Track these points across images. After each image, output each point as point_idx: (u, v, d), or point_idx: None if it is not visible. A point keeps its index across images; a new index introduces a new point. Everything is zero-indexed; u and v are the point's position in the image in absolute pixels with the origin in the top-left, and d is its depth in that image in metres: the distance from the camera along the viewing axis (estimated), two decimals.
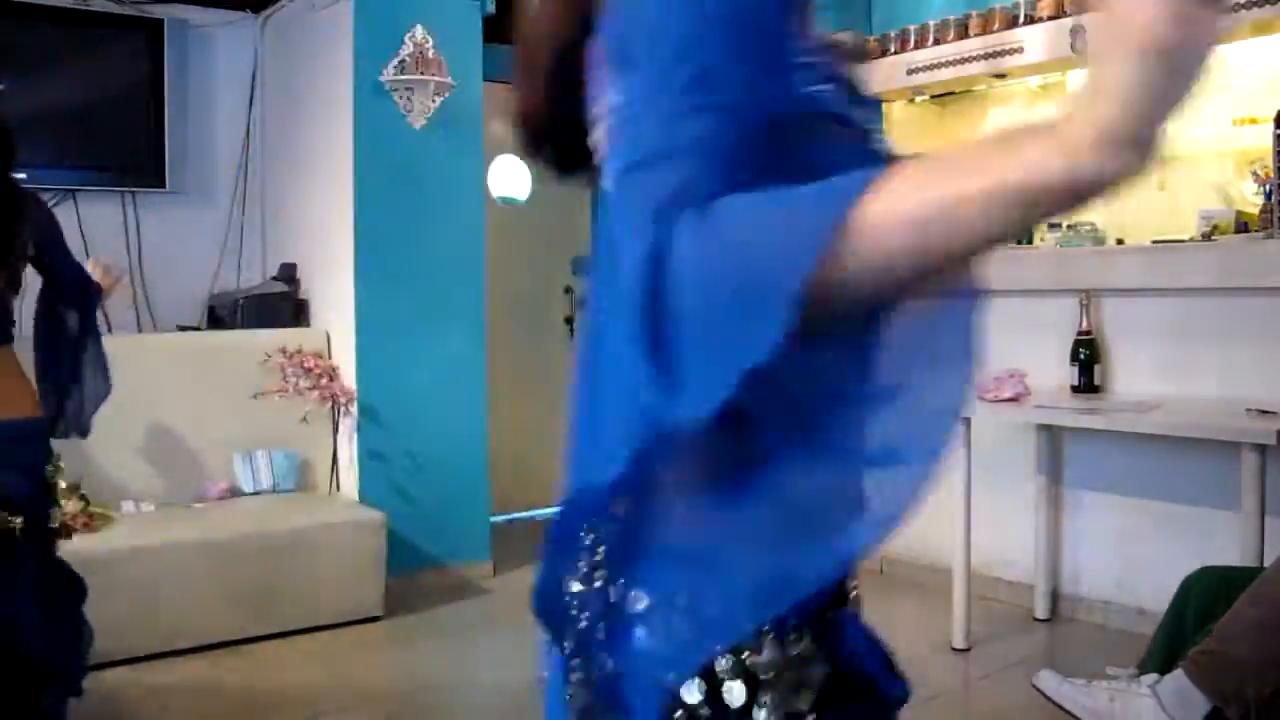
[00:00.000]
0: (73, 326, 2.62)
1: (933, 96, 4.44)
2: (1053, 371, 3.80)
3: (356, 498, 4.26)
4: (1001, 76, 4.09)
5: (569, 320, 6.04)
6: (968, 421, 3.57)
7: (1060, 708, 2.08)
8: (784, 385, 0.70)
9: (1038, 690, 2.11)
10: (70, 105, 4.52)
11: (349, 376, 4.27)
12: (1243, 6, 3.28)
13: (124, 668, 3.42)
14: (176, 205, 4.81)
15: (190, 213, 4.85)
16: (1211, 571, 2.35)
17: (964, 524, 3.56)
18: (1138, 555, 3.72)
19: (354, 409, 4.25)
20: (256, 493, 4.20)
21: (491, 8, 4.55)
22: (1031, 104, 4.26)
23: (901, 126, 4.66)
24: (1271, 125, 3.25)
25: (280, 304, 4.49)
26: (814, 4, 0.82)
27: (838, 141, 0.78)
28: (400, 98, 4.30)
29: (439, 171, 4.40)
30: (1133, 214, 3.92)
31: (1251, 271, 3.34)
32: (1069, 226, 3.90)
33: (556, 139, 0.90)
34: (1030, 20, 3.85)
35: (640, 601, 0.77)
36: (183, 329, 4.67)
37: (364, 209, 4.25)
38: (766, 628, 0.77)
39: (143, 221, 4.76)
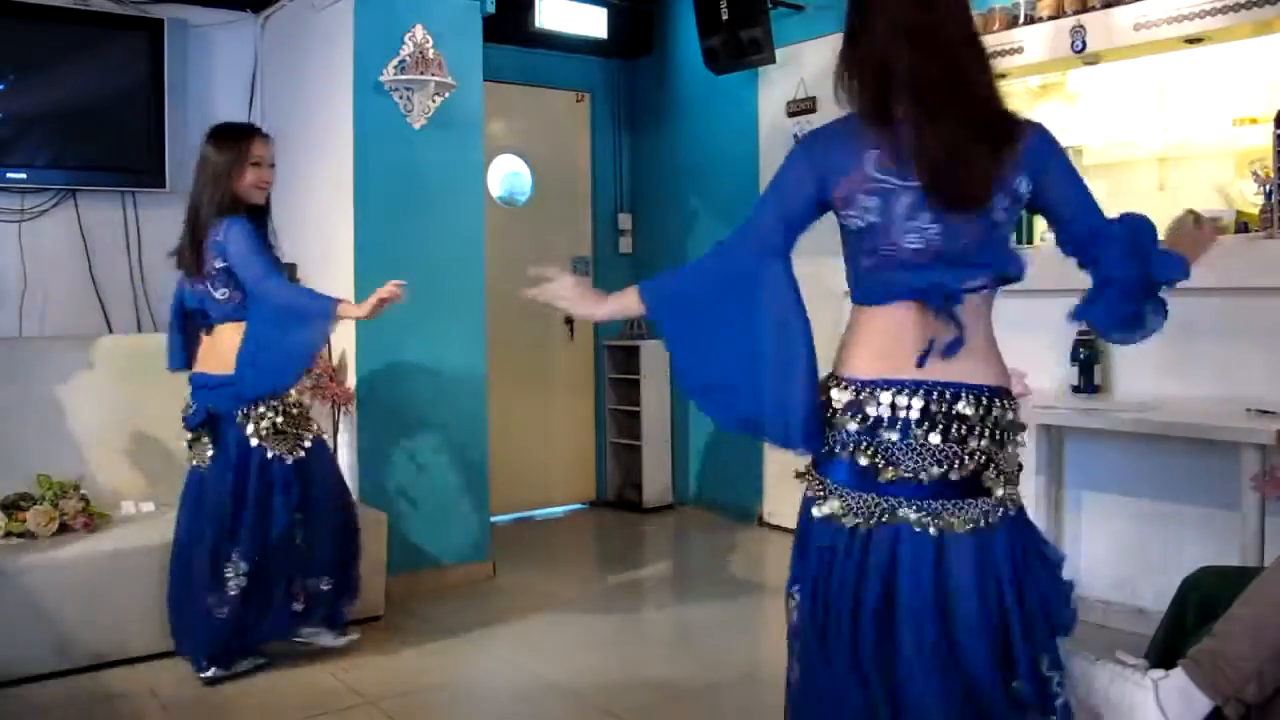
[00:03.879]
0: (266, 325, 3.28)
1: None
2: (1053, 371, 3.80)
3: (356, 498, 4.25)
4: (1002, 76, 4.07)
5: (569, 320, 6.04)
6: None
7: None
8: None
9: None
10: (70, 105, 4.52)
11: (349, 376, 4.27)
12: (1243, 7, 3.27)
13: (124, 668, 3.42)
14: (176, 205, 4.75)
15: None
16: (1211, 571, 2.34)
17: None
18: (1138, 555, 3.72)
19: (354, 409, 4.25)
20: None
21: (491, 8, 4.55)
22: (1031, 104, 4.26)
23: None
24: (1271, 125, 3.25)
25: None
26: None
27: None
28: (400, 98, 4.30)
29: (439, 171, 4.40)
30: None
31: (1251, 271, 3.34)
32: None
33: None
34: (1030, 20, 3.85)
35: None
36: None
37: (364, 209, 4.26)
38: None
39: (143, 221, 4.76)
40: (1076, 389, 3.72)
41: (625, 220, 6.21)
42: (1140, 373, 3.70)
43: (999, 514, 1.73)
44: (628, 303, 1.90)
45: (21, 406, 3.78)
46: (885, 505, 1.73)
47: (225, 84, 4.95)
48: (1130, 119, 3.89)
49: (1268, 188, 3.33)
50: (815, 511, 1.80)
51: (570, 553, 5.06)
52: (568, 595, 4.39)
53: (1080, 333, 3.69)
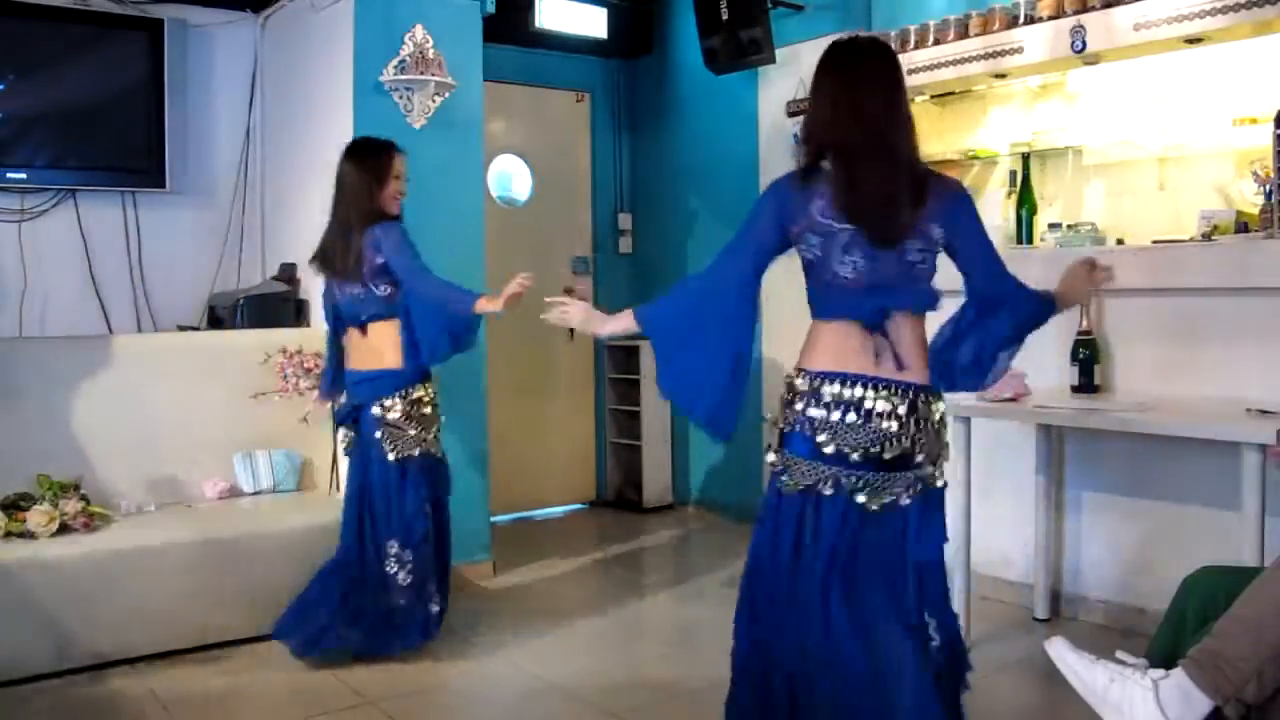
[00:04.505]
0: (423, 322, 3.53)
1: (933, 96, 4.44)
2: (1053, 371, 3.80)
3: None
4: (1002, 76, 4.09)
5: None
6: (967, 421, 3.57)
7: (1065, 678, 2.09)
8: None
9: (1049, 654, 2.12)
10: (70, 105, 4.52)
11: None
12: (1243, 7, 3.27)
13: (124, 668, 3.42)
14: (176, 205, 4.81)
15: (190, 213, 4.86)
16: (1211, 571, 2.34)
17: (964, 524, 3.56)
18: (1138, 555, 3.73)
19: None
20: (256, 493, 4.20)
21: (491, 8, 4.56)
22: (1031, 104, 4.26)
23: None
24: (1271, 125, 3.25)
25: (280, 304, 4.49)
26: None
27: None
28: (400, 98, 4.30)
29: (439, 171, 4.40)
30: (1132, 214, 3.92)
31: (1251, 271, 3.34)
32: (1069, 227, 3.90)
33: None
34: (1030, 20, 3.85)
35: None
36: (183, 329, 4.67)
37: None
38: None
39: (143, 221, 4.77)
40: (1076, 389, 3.72)
41: (625, 220, 6.21)
42: (1140, 373, 3.70)
43: (918, 488, 2.22)
44: (627, 323, 2.39)
45: (21, 406, 3.78)
46: (828, 473, 2.20)
47: (225, 84, 4.96)
48: (1130, 119, 3.89)
49: (1268, 188, 3.33)
50: (778, 481, 2.27)
51: (570, 553, 5.06)
52: (568, 595, 4.39)
53: (1080, 332, 3.70)
